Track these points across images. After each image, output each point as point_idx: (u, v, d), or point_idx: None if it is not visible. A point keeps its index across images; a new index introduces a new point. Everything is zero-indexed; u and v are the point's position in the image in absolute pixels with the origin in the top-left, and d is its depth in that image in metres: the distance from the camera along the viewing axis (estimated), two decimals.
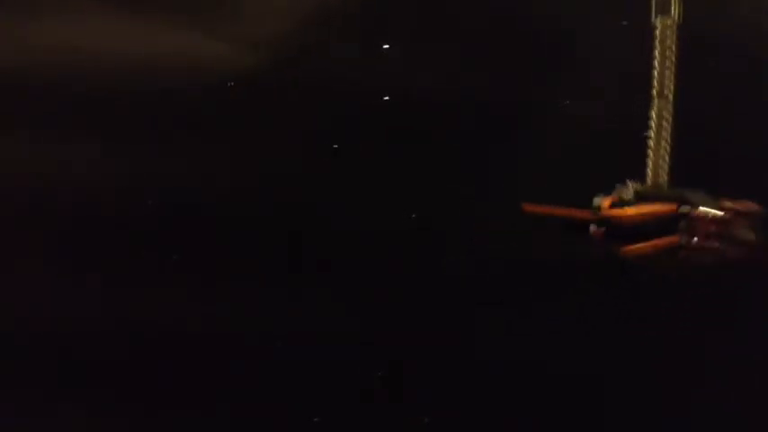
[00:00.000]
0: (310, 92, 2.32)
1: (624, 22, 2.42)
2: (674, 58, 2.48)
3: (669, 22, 2.51)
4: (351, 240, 2.24)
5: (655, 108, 2.44)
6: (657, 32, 2.48)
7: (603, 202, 2.32)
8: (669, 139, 2.43)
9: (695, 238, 2.25)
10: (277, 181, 2.31)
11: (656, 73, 2.46)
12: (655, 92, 2.44)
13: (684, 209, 2.28)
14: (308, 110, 2.32)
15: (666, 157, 2.42)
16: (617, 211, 2.28)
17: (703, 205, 2.30)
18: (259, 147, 2.32)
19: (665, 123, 2.44)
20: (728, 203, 2.27)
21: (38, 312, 2.20)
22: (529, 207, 2.26)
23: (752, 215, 2.28)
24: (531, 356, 2.24)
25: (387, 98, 2.33)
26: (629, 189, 2.38)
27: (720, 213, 2.26)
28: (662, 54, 2.50)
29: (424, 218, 2.30)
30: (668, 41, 2.51)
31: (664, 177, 2.42)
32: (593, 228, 2.28)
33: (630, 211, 2.28)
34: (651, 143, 2.42)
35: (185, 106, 2.31)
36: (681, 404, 2.26)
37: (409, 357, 2.22)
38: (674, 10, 2.49)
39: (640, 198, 2.36)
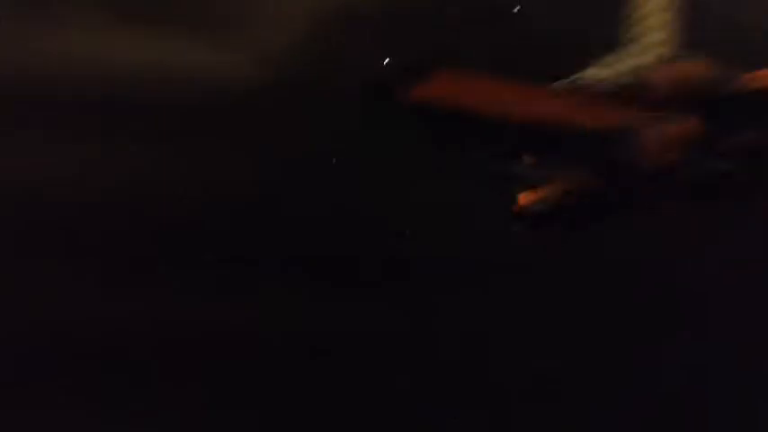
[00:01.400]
0: (314, 103, 2.27)
1: None
2: None
3: None
4: (348, 248, 2.17)
5: None
6: None
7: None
8: None
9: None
10: (280, 190, 2.24)
11: None
12: None
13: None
14: (311, 122, 2.27)
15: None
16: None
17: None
18: (263, 157, 2.26)
19: None
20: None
21: (47, 314, 2.12)
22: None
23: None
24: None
25: (389, 110, 2.12)
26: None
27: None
28: None
29: (420, 233, 2.18)
30: None
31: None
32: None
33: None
34: None
35: (192, 116, 2.28)
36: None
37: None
38: None
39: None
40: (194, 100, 2.22)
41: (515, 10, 2.12)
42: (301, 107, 2.22)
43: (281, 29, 2.26)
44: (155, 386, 2.04)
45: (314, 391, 2.05)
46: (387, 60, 2.18)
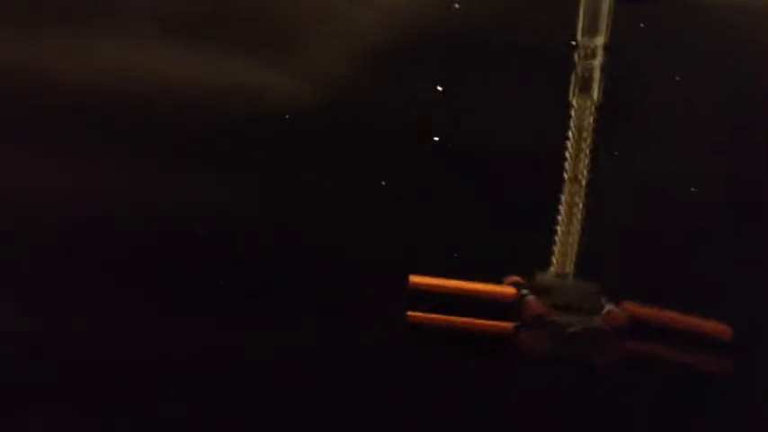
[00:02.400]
0: (363, 128, 2.32)
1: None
2: (590, 141, 2.26)
3: (588, 102, 2.29)
4: (389, 276, 2.22)
5: (566, 193, 2.26)
6: (574, 113, 2.28)
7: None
8: (580, 228, 2.26)
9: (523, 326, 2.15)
10: (323, 212, 2.29)
11: (569, 155, 2.26)
12: (567, 175, 2.26)
13: (524, 292, 2.16)
14: (361, 145, 2.31)
15: (575, 247, 2.26)
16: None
17: (593, 305, 2.18)
18: (309, 179, 2.30)
19: (575, 210, 2.26)
20: (620, 308, 2.17)
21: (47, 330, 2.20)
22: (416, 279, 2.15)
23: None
24: None
25: (436, 138, 2.30)
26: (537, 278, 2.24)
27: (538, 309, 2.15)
28: (578, 136, 2.27)
29: (466, 255, 2.28)
30: (585, 123, 2.29)
31: (570, 268, 2.28)
32: None
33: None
34: (559, 230, 2.26)
35: (242, 135, 2.30)
36: None
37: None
38: (595, 90, 2.28)
39: (539, 288, 2.23)
40: (244, 120, 2.29)
41: None
42: (351, 135, 2.30)
43: (337, 56, 2.33)
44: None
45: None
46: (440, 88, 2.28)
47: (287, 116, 2.26)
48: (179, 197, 2.29)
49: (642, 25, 2.33)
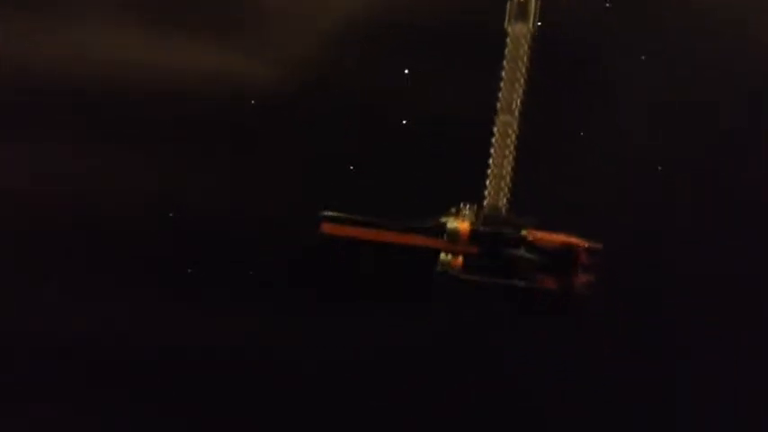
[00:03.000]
0: (332, 112, 2.31)
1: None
2: (524, 71, 2.18)
3: (524, 30, 2.19)
4: (365, 257, 2.26)
5: (499, 124, 2.19)
6: (509, 41, 2.18)
7: (460, 227, 2.19)
8: (512, 160, 2.30)
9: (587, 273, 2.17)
10: (292, 197, 2.30)
11: (502, 85, 2.18)
12: (500, 106, 2.18)
13: (581, 242, 2.16)
14: (328, 130, 2.31)
15: (508, 180, 2.29)
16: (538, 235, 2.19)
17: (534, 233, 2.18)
18: (277, 164, 2.32)
19: (508, 142, 2.28)
20: (570, 238, 2.19)
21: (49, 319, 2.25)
22: (329, 228, 2.17)
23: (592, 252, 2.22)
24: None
25: (405, 122, 2.28)
26: (468, 212, 2.25)
27: (597, 247, 2.16)
28: (512, 64, 2.19)
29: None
30: (520, 51, 2.20)
31: (502, 201, 2.32)
32: (447, 257, 2.22)
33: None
34: (492, 163, 2.21)
35: (211, 121, 2.30)
36: None
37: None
38: (532, 17, 2.19)
39: (486, 222, 2.21)
40: (209, 102, 2.27)
41: None
42: (317, 113, 2.28)
43: (300, 34, 2.29)
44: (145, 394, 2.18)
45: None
46: (406, 71, 2.25)
47: (252, 101, 2.25)
48: (150, 184, 2.31)
49: (608, 5, 2.25)
